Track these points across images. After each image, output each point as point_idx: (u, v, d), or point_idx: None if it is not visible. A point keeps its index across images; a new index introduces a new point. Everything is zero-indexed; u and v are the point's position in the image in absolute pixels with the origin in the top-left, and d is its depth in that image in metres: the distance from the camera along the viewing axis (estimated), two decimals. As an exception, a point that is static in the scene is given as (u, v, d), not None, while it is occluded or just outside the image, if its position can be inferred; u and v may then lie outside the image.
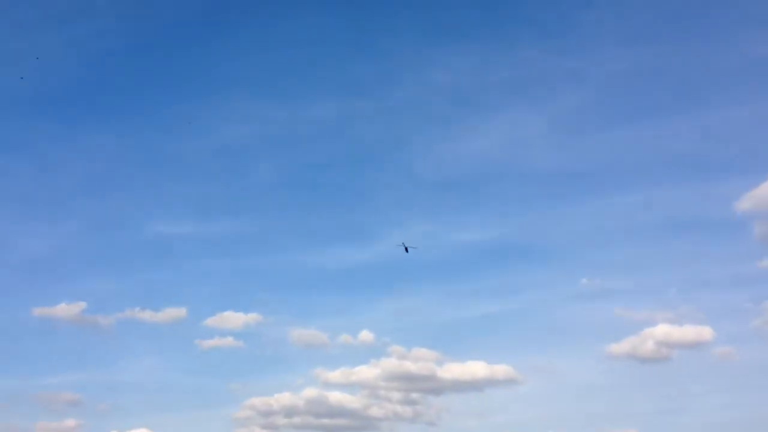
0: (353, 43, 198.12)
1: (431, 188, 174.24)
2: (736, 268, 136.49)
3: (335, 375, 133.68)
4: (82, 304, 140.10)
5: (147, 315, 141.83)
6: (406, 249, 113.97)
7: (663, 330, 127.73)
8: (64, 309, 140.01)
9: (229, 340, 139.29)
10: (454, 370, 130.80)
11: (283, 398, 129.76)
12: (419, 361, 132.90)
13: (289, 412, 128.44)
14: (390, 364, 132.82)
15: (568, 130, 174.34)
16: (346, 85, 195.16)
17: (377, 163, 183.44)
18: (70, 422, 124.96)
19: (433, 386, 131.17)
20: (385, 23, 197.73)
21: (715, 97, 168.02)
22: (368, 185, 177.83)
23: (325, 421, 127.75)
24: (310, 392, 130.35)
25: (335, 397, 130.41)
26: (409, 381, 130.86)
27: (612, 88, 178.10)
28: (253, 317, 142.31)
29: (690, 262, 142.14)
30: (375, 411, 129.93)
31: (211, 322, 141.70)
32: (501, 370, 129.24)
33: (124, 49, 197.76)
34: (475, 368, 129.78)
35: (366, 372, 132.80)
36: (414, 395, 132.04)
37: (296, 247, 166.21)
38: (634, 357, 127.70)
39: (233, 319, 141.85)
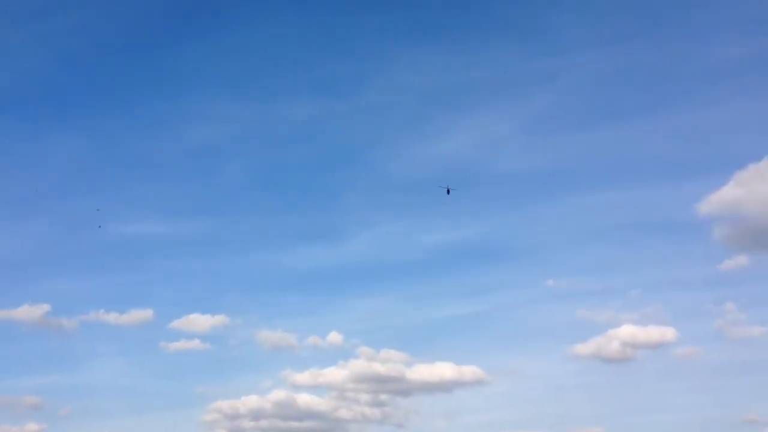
0: (325, 44, 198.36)
1: (401, 189, 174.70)
2: (698, 270, 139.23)
3: (303, 377, 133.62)
4: (46, 306, 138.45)
5: (112, 317, 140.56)
6: (448, 191, 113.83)
7: (627, 330, 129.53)
8: (27, 311, 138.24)
9: (196, 343, 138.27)
10: (423, 371, 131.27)
11: (250, 401, 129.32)
12: (388, 362, 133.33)
13: (256, 414, 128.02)
14: (359, 365, 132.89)
15: (538, 131, 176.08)
16: (317, 85, 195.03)
17: (347, 164, 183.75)
18: (32, 426, 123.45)
19: (401, 387, 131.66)
20: (356, 24, 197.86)
21: (682, 100, 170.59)
22: (338, 186, 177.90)
23: (293, 423, 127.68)
24: (277, 395, 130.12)
25: (303, 399, 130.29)
26: (378, 382, 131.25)
27: (582, 90, 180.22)
28: (220, 319, 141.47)
29: (654, 264, 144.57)
30: (343, 413, 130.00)
31: (177, 324, 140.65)
32: (469, 371, 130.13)
33: (94, 48, 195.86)
34: (444, 369, 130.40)
35: (334, 374, 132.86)
36: (382, 397, 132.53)
37: (265, 248, 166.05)
38: (599, 357, 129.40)
39: (200, 321, 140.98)
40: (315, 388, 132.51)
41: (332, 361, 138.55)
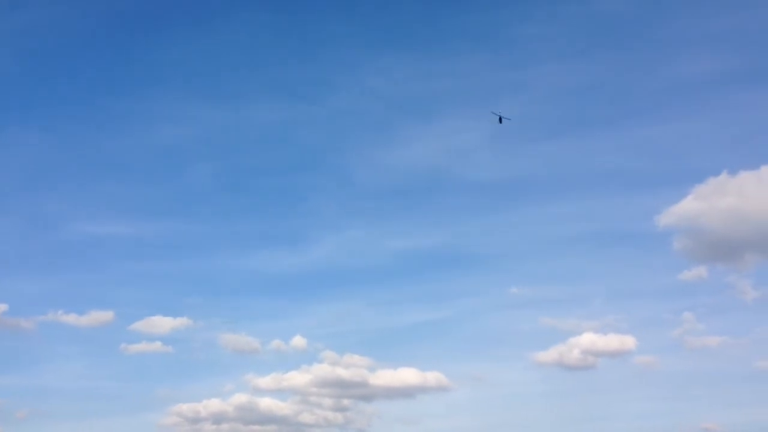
0: (294, 48, 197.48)
1: (368, 195, 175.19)
2: (657, 280, 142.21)
3: (266, 381, 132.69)
4: (3, 306, 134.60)
5: (71, 318, 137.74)
6: (500, 119, 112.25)
7: (588, 339, 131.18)
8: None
9: (157, 345, 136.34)
10: (386, 376, 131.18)
11: (212, 404, 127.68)
12: (351, 367, 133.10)
13: (218, 418, 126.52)
14: (322, 370, 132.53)
15: (504, 141, 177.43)
16: (285, 89, 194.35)
17: (314, 168, 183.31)
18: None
19: (364, 393, 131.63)
20: (326, 29, 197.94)
21: (645, 114, 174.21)
22: (305, 190, 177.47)
23: (255, 427, 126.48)
24: (239, 398, 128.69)
25: (265, 403, 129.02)
26: (341, 387, 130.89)
27: (547, 101, 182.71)
28: (182, 322, 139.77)
29: (615, 274, 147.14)
30: (306, 417, 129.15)
31: (138, 326, 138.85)
32: (432, 377, 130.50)
33: (59, 45, 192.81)
34: (407, 375, 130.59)
35: (297, 378, 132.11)
36: (345, 401, 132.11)
37: (229, 251, 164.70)
38: (561, 365, 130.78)
39: (162, 323, 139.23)
40: (278, 392, 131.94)
41: (295, 365, 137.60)
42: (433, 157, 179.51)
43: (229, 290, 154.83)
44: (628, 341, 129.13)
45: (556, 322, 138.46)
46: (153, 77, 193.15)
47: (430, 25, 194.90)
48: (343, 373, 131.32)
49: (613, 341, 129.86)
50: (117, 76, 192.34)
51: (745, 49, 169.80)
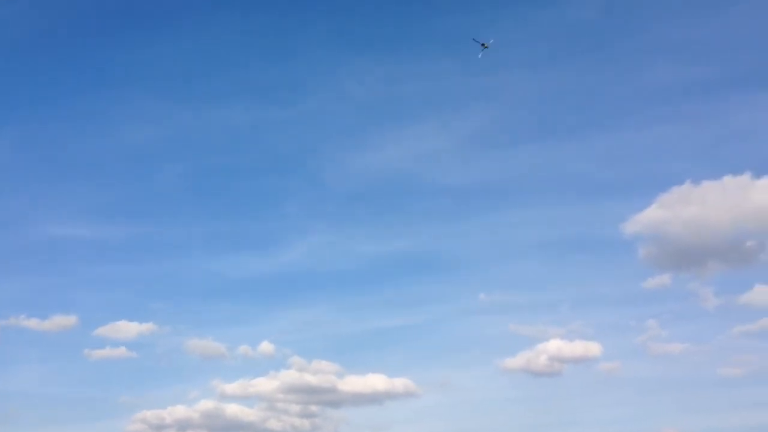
0: (266, 48, 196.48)
1: (338, 198, 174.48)
2: (622, 288, 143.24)
3: (233, 387, 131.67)
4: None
5: (33, 323, 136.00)
6: (483, 46, 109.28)
7: (555, 345, 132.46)
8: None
9: (122, 351, 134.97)
10: (354, 382, 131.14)
11: (177, 411, 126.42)
12: (319, 373, 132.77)
13: (183, 425, 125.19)
14: (290, 376, 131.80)
15: (475, 146, 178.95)
16: (256, 90, 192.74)
17: (284, 171, 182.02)
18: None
19: (332, 399, 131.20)
20: (298, 30, 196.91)
21: (611, 123, 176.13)
22: (274, 193, 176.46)
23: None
24: (205, 404, 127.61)
25: (232, 409, 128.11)
26: (309, 393, 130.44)
27: (517, 108, 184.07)
28: (147, 327, 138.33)
29: (581, 280, 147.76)
30: (273, 424, 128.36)
31: (102, 331, 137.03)
32: (400, 383, 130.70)
33: (25, 43, 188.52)
34: (375, 381, 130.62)
35: (265, 384, 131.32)
36: (313, 408, 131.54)
37: (197, 255, 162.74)
38: (528, 371, 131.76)
39: (126, 328, 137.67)
40: (244, 399, 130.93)
41: (263, 371, 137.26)
42: (404, 161, 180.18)
43: (195, 294, 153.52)
44: (594, 348, 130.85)
45: (523, 328, 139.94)
46: (122, 77, 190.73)
47: (402, 30, 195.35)
48: (311, 379, 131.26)
49: (579, 348, 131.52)
50: (85, 75, 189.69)
51: (710, 59, 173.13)
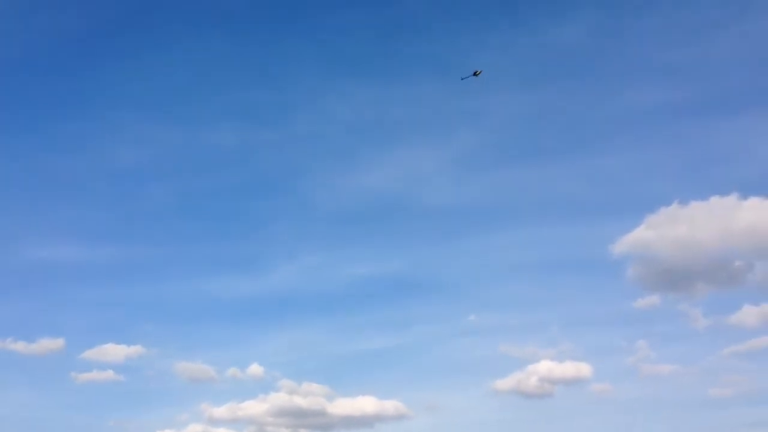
0: (255, 71, 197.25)
1: (327, 220, 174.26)
2: (612, 308, 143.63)
3: (221, 410, 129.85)
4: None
5: (20, 346, 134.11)
6: (475, 73, 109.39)
7: (546, 366, 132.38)
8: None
9: (109, 374, 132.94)
10: (345, 405, 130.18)
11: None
12: (309, 396, 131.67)
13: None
14: (279, 398, 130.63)
15: (464, 168, 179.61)
16: (245, 112, 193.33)
17: (274, 193, 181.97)
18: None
19: (323, 422, 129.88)
20: (287, 53, 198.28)
21: (599, 144, 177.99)
22: (263, 214, 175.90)
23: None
24: (194, 429, 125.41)
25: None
26: (299, 416, 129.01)
27: (505, 130, 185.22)
28: (135, 350, 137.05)
29: (571, 301, 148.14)
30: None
31: (89, 354, 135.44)
32: (391, 405, 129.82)
33: (11, 63, 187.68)
34: (366, 403, 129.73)
35: (254, 407, 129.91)
36: (303, 431, 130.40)
37: (185, 277, 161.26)
38: (519, 392, 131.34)
39: (114, 351, 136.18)
40: (233, 422, 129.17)
41: (252, 394, 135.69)
42: (392, 183, 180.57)
43: (184, 317, 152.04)
44: (584, 369, 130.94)
45: (514, 349, 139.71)
46: (110, 98, 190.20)
47: (391, 53, 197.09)
48: (300, 401, 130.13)
49: (569, 369, 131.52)
50: (73, 96, 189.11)
51: (696, 81, 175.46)
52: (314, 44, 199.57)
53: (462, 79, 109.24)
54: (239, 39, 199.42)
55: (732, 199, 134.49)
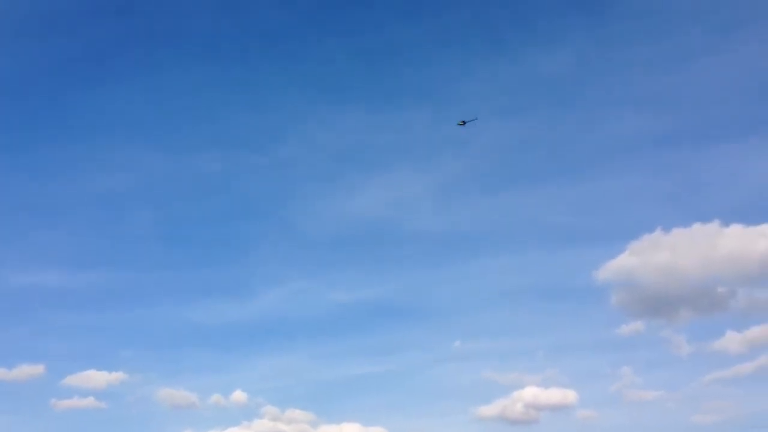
0: (241, 96, 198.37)
1: (312, 245, 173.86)
2: (597, 334, 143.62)
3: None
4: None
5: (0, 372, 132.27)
6: (465, 123, 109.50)
7: (531, 392, 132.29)
8: None
9: (90, 401, 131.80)
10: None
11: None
12: (293, 422, 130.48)
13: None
14: (263, 425, 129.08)
15: (449, 194, 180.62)
16: (229, 137, 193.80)
17: (258, 218, 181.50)
18: None
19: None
20: (274, 79, 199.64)
21: (583, 171, 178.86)
22: (247, 240, 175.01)
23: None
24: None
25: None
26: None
27: (490, 156, 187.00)
28: (117, 376, 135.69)
29: (556, 327, 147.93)
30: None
31: (70, 380, 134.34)
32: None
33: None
34: (350, 430, 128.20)
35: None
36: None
37: (168, 302, 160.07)
38: (504, 419, 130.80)
39: (96, 377, 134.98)
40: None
41: (235, 421, 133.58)
42: (377, 209, 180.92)
43: (167, 343, 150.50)
44: (570, 395, 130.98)
45: (499, 375, 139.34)
46: (93, 124, 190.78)
47: (376, 80, 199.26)
48: (284, 428, 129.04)
49: (555, 395, 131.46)
50: (55, 122, 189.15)
51: (679, 110, 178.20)
52: (300, 71, 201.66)
53: (460, 123, 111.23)
54: (225, 65, 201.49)
55: (714, 226, 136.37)
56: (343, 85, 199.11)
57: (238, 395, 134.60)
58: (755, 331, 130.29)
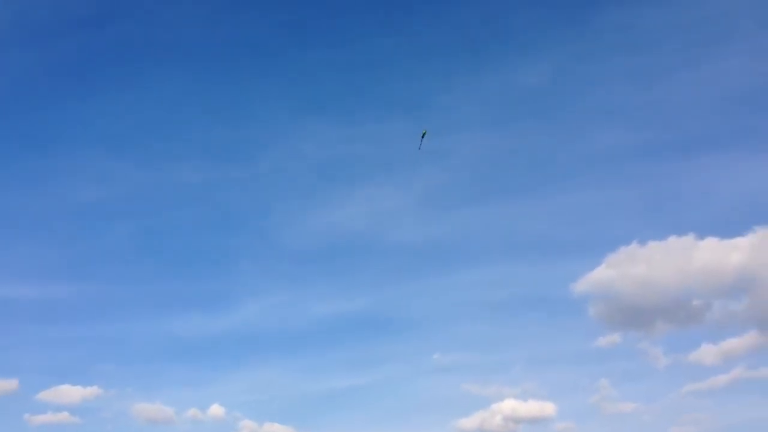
0: (219, 109, 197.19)
1: (293, 258, 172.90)
2: (575, 347, 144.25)
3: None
4: None
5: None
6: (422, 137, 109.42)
7: (509, 405, 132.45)
8: None
9: (65, 416, 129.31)
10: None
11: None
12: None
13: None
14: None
15: (428, 206, 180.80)
16: (210, 149, 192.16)
17: (237, 230, 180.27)
18: None
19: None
20: (252, 91, 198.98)
21: (561, 183, 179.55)
22: (226, 252, 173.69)
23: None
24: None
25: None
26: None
27: (470, 168, 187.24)
28: (92, 391, 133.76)
29: (534, 339, 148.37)
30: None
31: (44, 395, 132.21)
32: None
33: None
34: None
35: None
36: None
37: (145, 315, 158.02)
38: (483, 431, 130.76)
39: (70, 392, 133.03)
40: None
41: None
42: (358, 221, 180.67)
43: (143, 357, 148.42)
44: (548, 407, 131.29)
45: (478, 388, 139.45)
46: (70, 135, 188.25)
47: (355, 92, 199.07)
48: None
49: (533, 407, 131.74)
50: (32, 132, 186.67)
51: (653, 123, 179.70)
52: (280, 82, 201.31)
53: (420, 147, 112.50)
54: (204, 76, 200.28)
55: (689, 239, 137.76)
56: (324, 97, 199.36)
57: (216, 409, 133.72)
58: (730, 343, 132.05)
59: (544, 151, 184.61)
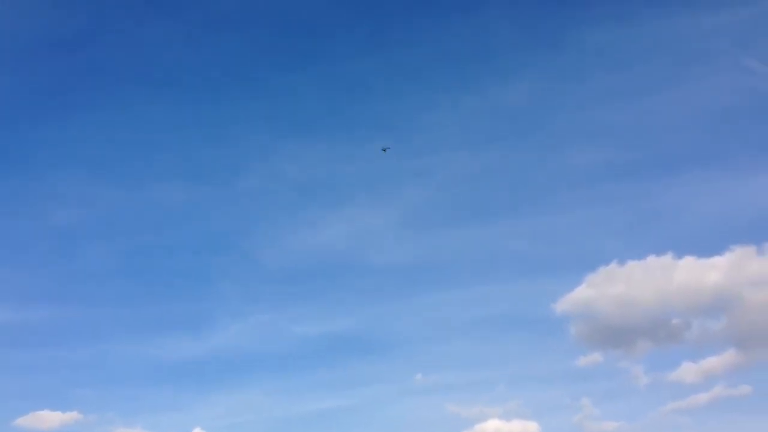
0: (200, 129, 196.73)
1: (274, 279, 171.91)
2: (557, 366, 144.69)
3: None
4: None
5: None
6: (384, 150, 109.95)
7: (493, 425, 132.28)
8: None
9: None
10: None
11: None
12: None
13: None
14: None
15: (410, 226, 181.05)
16: (190, 170, 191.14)
17: (218, 251, 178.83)
18: None
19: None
20: (234, 111, 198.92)
21: (542, 203, 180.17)
22: (207, 273, 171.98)
23: None
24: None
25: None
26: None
27: (451, 188, 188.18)
28: (71, 416, 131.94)
29: (517, 359, 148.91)
30: None
31: (22, 421, 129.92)
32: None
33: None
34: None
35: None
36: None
37: (125, 339, 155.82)
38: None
39: (49, 418, 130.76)
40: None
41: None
42: (339, 241, 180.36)
43: (124, 381, 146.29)
44: (532, 427, 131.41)
45: (461, 408, 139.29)
46: (48, 156, 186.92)
47: (336, 113, 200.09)
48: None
49: (517, 427, 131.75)
50: (8, 153, 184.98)
51: (631, 143, 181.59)
52: (260, 103, 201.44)
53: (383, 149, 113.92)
54: (185, 97, 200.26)
55: (668, 258, 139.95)
56: (305, 117, 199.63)
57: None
58: (710, 362, 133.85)
59: (524, 170, 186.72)
